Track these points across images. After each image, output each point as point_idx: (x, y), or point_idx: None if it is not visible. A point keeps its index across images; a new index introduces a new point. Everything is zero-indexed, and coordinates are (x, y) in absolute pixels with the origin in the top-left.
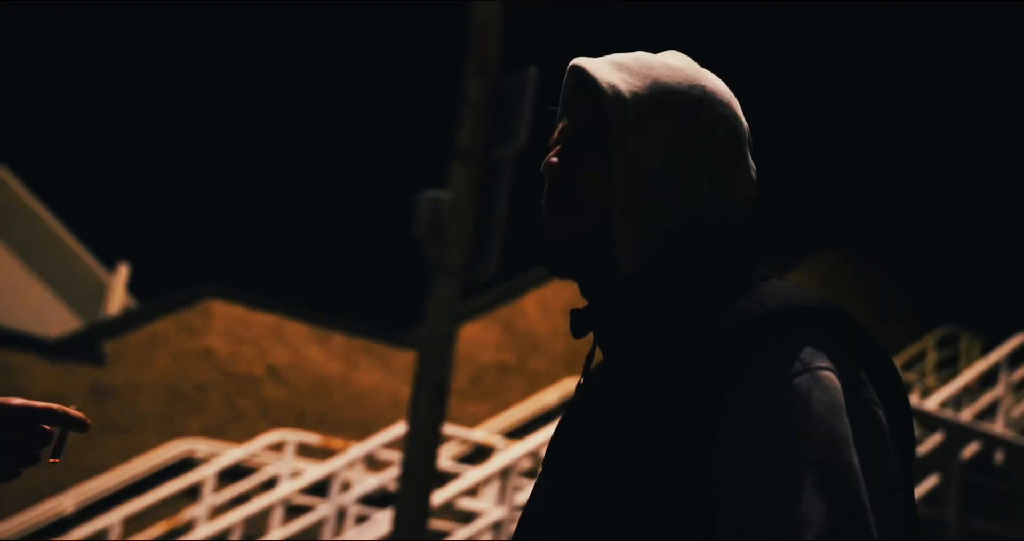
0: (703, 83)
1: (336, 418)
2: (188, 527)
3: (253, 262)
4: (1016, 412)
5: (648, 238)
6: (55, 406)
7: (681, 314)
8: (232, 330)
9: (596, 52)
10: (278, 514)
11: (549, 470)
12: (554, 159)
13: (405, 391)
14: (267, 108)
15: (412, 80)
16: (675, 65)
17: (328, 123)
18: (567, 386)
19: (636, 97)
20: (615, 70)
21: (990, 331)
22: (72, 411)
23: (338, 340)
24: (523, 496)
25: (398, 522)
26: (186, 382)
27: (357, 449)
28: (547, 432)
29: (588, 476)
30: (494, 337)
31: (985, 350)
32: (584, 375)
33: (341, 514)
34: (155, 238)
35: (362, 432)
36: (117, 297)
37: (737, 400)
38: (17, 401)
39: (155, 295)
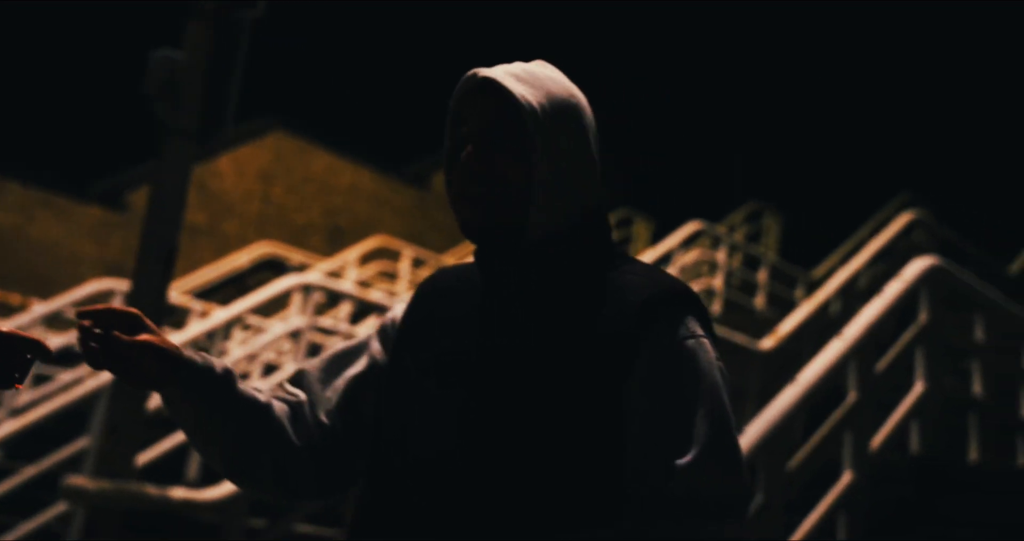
0: (575, 90)
1: (9, 273)
2: None
3: None
4: None
5: (555, 213)
6: (38, 338)
7: (581, 269)
8: None
9: None
10: None
11: (436, 372)
12: (472, 154)
13: (87, 247)
14: None
15: None
16: (555, 77)
17: None
18: (258, 250)
19: (541, 107)
20: (518, 82)
21: (661, 218)
22: (46, 343)
23: (13, 189)
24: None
25: (118, 388)
26: None
27: (41, 307)
28: (248, 299)
29: (510, 394)
30: None
31: (655, 236)
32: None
33: None
34: None
35: (39, 289)
36: None
37: (649, 355)
38: (6, 328)
39: None
